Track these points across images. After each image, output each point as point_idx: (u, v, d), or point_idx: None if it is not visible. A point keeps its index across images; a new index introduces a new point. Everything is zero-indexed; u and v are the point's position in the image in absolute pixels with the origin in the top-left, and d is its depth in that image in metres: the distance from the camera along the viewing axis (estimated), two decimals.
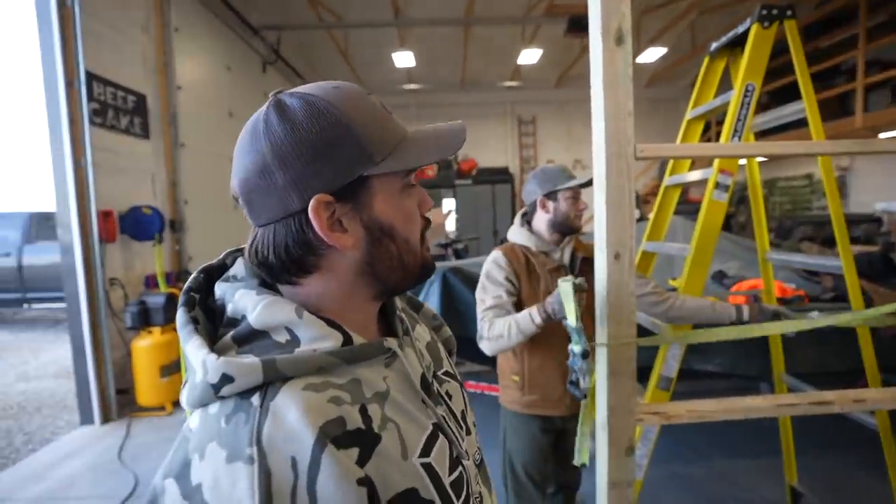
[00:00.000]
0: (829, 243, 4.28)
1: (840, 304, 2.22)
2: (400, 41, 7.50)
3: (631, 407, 1.29)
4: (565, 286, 1.25)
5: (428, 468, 0.47)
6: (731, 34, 1.77)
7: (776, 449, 2.17)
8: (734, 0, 6.84)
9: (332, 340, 0.46)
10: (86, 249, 3.30)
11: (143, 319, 3.32)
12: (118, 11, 3.73)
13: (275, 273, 0.49)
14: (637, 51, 8.34)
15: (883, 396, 1.36)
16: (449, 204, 9.25)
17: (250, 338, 0.45)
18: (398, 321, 0.57)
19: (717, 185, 1.59)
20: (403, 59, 7.78)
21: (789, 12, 1.61)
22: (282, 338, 0.45)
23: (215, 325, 0.49)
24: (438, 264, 2.45)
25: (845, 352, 1.97)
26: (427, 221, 0.55)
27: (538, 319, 1.38)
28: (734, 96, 1.62)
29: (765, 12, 1.60)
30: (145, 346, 3.35)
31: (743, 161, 1.96)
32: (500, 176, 9.55)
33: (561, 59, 8.73)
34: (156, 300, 3.38)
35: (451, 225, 8.59)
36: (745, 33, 1.65)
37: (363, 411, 0.44)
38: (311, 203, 0.45)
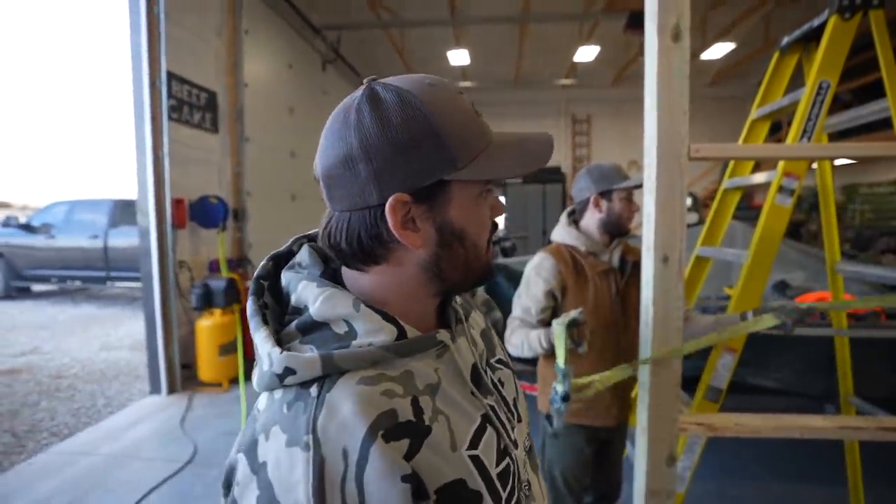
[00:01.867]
0: None
1: None
2: (455, 39, 7.55)
3: (673, 415, 1.26)
4: (558, 329, 1.23)
5: (475, 460, 0.48)
6: (805, 27, 1.65)
7: (841, 478, 2.01)
8: None
9: (387, 334, 0.47)
10: (160, 234, 3.61)
11: (206, 301, 3.58)
12: (197, 17, 4.03)
13: (344, 257, 0.51)
14: (703, 46, 7.90)
15: None
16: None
17: (312, 328, 0.48)
18: (452, 312, 0.58)
19: (781, 189, 1.50)
20: (458, 56, 7.83)
21: (876, 1, 1.48)
22: (340, 329, 0.47)
23: (283, 308, 0.52)
24: None
25: None
26: (495, 226, 0.56)
27: (545, 345, 1.39)
28: (805, 94, 1.51)
29: (846, 2, 1.48)
30: (207, 326, 3.62)
31: (815, 165, 1.83)
32: (551, 175, 9.42)
33: (618, 58, 8.43)
34: (218, 283, 3.63)
35: (500, 223, 8.57)
36: (822, 26, 1.54)
37: (415, 403, 0.46)
38: (390, 201, 0.46)
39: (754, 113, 1.82)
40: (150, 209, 3.58)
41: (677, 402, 1.27)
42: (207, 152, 4.21)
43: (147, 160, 3.54)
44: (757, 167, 1.86)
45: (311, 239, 0.58)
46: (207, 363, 3.66)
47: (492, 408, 0.53)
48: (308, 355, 0.45)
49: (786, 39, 1.75)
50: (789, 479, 2.49)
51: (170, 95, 3.61)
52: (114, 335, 5.49)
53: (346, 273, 0.53)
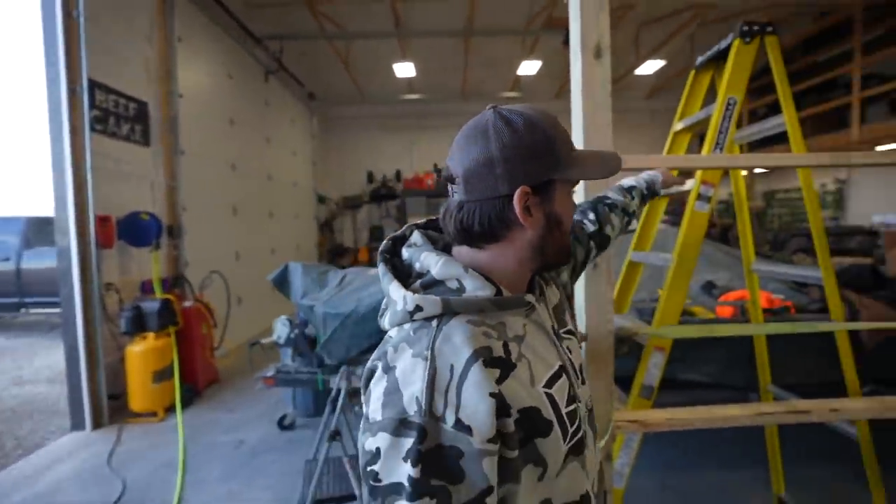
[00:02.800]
0: None
1: (825, 314, 2.23)
2: (401, 52, 7.59)
3: (609, 414, 1.30)
4: None
5: (549, 397, 0.62)
6: (714, 49, 1.80)
7: (767, 460, 2.16)
8: (731, 14, 6.92)
9: (489, 290, 0.63)
10: (83, 254, 3.34)
11: (138, 324, 3.34)
12: (122, 22, 3.81)
13: (472, 237, 0.65)
14: (637, 63, 8.42)
15: (859, 406, 1.37)
16: None
17: (432, 284, 0.64)
18: (536, 284, 0.74)
19: (700, 197, 1.61)
20: (404, 69, 7.88)
21: (769, 28, 1.64)
22: (453, 285, 0.63)
23: (400, 277, 0.66)
24: None
25: (833, 368, 1.98)
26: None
27: None
28: (716, 109, 1.64)
29: (746, 28, 1.63)
30: (139, 351, 3.37)
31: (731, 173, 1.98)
32: None
33: (560, 71, 8.81)
34: (151, 305, 3.40)
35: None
36: (728, 48, 1.69)
37: (505, 346, 0.61)
38: (518, 191, 0.62)
39: (676, 125, 1.95)
40: (71, 227, 3.31)
41: (612, 401, 1.33)
42: (138, 166, 3.96)
43: (66, 174, 3.28)
44: (680, 176, 1.99)
45: (417, 226, 0.74)
46: (140, 391, 3.40)
47: (568, 361, 0.69)
48: (433, 297, 0.61)
49: (700, 59, 1.90)
50: (723, 465, 2.65)
51: (93, 105, 3.38)
52: (28, 368, 5.01)
53: (459, 251, 0.68)
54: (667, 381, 1.78)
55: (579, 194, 1.31)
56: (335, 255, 9.87)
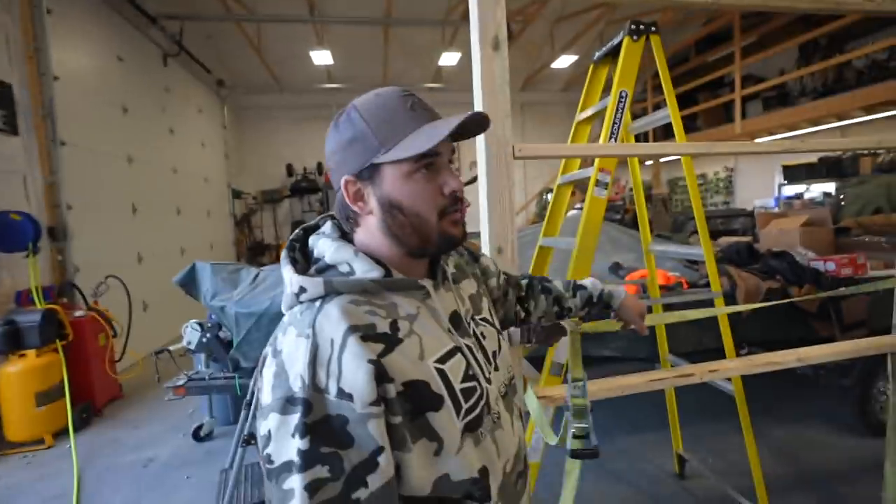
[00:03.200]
0: (714, 236, 4.79)
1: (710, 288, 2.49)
2: (317, 38, 7.28)
3: (519, 394, 1.35)
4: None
5: (440, 372, 0.64)
6: (608, 45, 1.91)
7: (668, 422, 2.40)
8: (637, 14, 7.44)
9: (377, 273, 0.65)
10: None
11: (12, 341, 2.92)
12: None
13: (343, 223, 0.72)
14: (553, 57, 8.80)
15: (734, 365, 1.55)
16: None
17: (325, 269, 0.67)
18: (440, 271, 0.75)
19: (598, 183, 1.72)
20: (321, 57, 7.58)
21: (653, 28, 1.78)
22: (344, 269, 0.66)
23: (307, 264, 0.70)
24: None
25: (716, 332, 2.22)
26: (455, 199, 0.68)
27: None
28: (610, 101, 1.75)
29: (633, 27, 1.75)
30: (16, 372, 2.95)
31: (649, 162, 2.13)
32: None
33: None
34: (29, 318, 2.99)
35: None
36: (620, 45, 1.80)
37: (393, 324, 0.63)
38: (341, 181, 0.67)
39: (577, 116, 2.06)
40: None
41: (522, 379, 1.38)
42: (5, 159, 3.44)
43: None
44: (583, 164, 2.11)
45: (332, 217, 0.76)
46: (19, 418, 2.99)
47: (467, 346, 0.70)
48: (315, 278, 0.64)
49: (596, 54, 2.01)
50: (631, 431, 2.89)
51: None
52: None
53: (354, 236, 0.71)
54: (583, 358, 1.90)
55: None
56: (255, 252, 9.34)
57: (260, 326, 2.40)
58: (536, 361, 1.82)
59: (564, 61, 8.98)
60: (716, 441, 2.69)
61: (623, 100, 1.74)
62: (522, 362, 1.42)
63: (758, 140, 7.74)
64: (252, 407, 1.85)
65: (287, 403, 0.55)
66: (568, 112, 10.80)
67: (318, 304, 0.62)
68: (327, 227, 0.74)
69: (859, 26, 6.10)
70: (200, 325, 2.84)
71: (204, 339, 2.81)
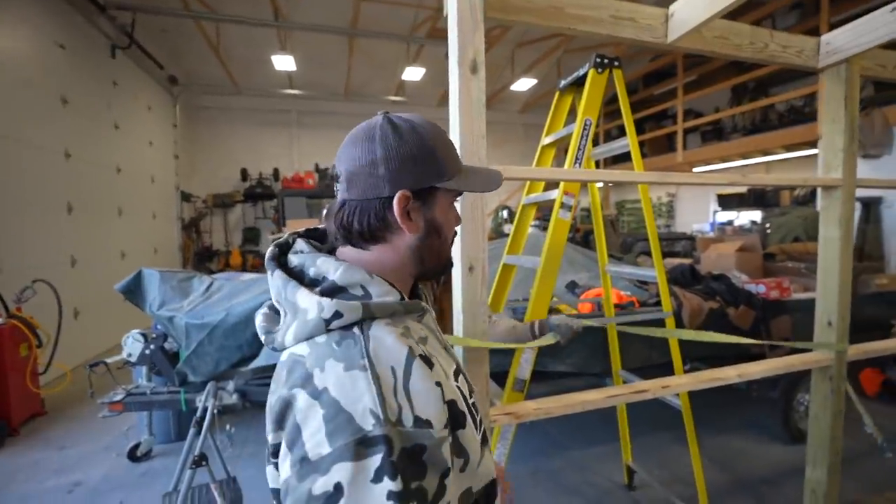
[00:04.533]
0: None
1: (660, 307, 2.66)
2: (280, 43, 7.15)
3: (485, 409, 1.38)
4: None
5: (460, 389, 0.64)
6: (574, 75, 2.03)
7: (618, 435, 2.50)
8: (591, 46, 7.89)
9: (394, 296, 0.64)
10: None
11: None
12: None
13: (352, 236, 0.66)
14: (512, 80, 9.11)
15: (683, 381, 1.66)
16: None
17: (334, 292, 0.61)
18: (423, 292, 0.76)
19: (562, 205, 1.81)
20: (284, 62, 7.43)
21: (616, 63, 1.91)
22: (357, 292, 0.62)
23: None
24: None
25: (664, 349, 2.37)
26: (455, 232, 0.73)
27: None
28: (576, 128, 1.86)
29: (598, 60, 1.88)
30: None
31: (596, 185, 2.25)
32: None
33: (442, 80, 9.12)
34: None
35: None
36: (585, 75, 1.92)
37: (418, 346, 0.61)
38: (398, 194, 0.63)
39: (543, 140, 2.16)
40: None
41: (488, 396, 1.41)
42: None
43: None
44: (547, 187, 2.21)
45: (299, 234, 0.72)
46: None
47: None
48: (352, 302, 0.59)
49: (562, 82, 2.12)
50: (584, 445, 2.99)
51: None
52: None
53: (346, 252, 0.68)
54: (536, 372, 1.96)
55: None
56: (203, 258, 8.87)
57: (213, 339, 2.28)
58: (499, 378, 1.86)
59: (524, 84, 9.32)
60: (660, 452, 2.84)
61: (587, 127, 1.86)
62: (487, 379, 1.45)
63: (696, 169, 8.38)
64: (204, 426, 1.75)
65: (360, 446, 0.50)
66: (525, 133, 11.18)
67: (356, 331, 0.58)
68: (302, 245, 0.69)
69: (782, 74, 6.80)
70: (144, 335, 2.66)
71: (147, 351, 2.63)
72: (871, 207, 5.18)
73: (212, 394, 1.86)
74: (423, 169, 0.64)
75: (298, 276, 0.65)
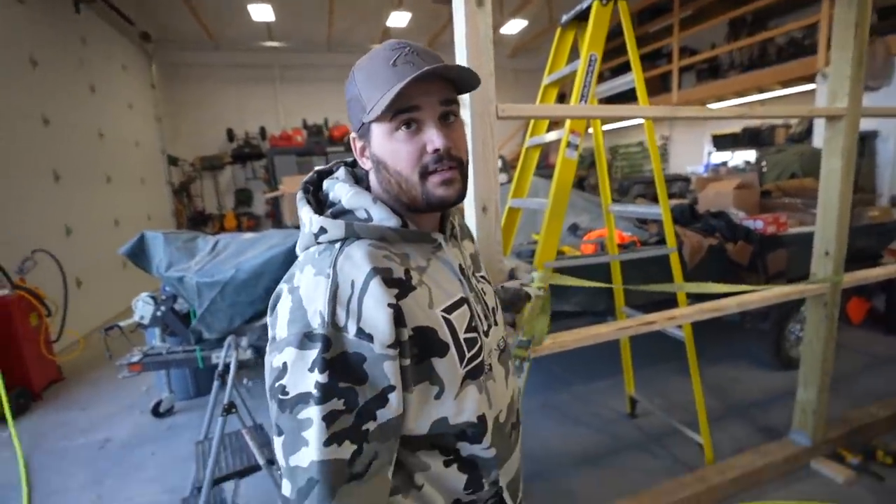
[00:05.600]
0: (656, 199, 5.11)
1: (661, 245, 2.71)
2: None
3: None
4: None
5: (447, 321, 0.66)
6: (577, 9, 1.95)
7: (621, 369, 2.63)
8: None
9: (393, 221, 0.67)
10: None
11: None
12: None
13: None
14: (500, 21, 8.71)
15: (688, 312, 1.73)
16: None
17: (342, 213, 0.68)
18: (449, 226, 0.76)
19: (569, 145, 1.79)
20: (261, 12, 7.03)
21: None
22: (362, 215, 0.67)
23: (320, 208, 0.71)
24: None
25: (665, 283, 2.44)
26: (439, 158, 0.64)
27: None
28: (580, 65, 1.81)
29: None
30: None
31: (591, 129, 2.23)
32: None
33: (430, 25, 8.72)
34: None
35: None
36: (589, 9, 1.85)
37: (406, 272, 0.64)
38: (350, 136, 0.71)
39: (545, 80, 2.10)
40: None
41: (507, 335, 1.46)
42: None
43: None
44: (550, 128, 2.18)
45: (346, 163, 0.78)
46: None
47: (473, 297, 0.73)
48: (337, 220, 0.65)
49: (564, 17, 2.04)
50: (588, 379, 3.14)
51: None
52: None
53: (371, 178, 0.72)
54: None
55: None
56: (196, 223, 8.78)
57: (224, 296, 2.32)
58: None
59: (514, 27, 8.93)
60: (660, 383, 2.99)
61: (593, 63, 1.81)
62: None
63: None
64: (229, 379, 1.82)
65: (305, 338, 0.57)
66: (516, 78, 10.83)
67: (337, 245, 0.64)
68: (341, 172, 0.75)
69: (781, 5, 6.55)
70: (153, 298, 2.70)
71: (158, 313, 2.68)
72: (866, 141, 5.18)
73: (233, 347, 1.91)
74: (355, 109, 0.67)
75: (325, 201, 0.73)
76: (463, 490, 0.71)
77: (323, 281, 0.60)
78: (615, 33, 1.84)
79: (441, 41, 9.23)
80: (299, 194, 0.72)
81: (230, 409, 1.68)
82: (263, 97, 9.34)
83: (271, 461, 1.74)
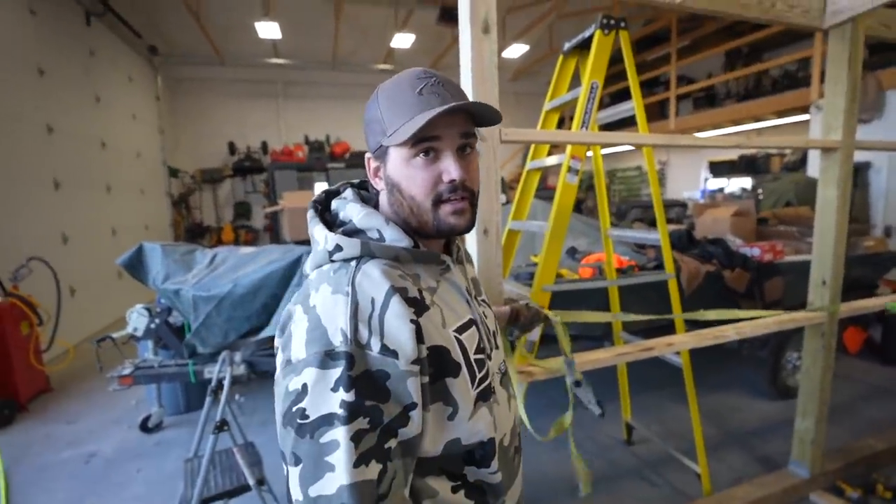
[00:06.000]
0: (653, 223, 5.16)
1: (659, 270, 2.72)
2: (263, 9, 6.87)
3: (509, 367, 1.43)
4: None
5: (458, 341, 0.66)
6: (579, 37, 2.01)
7: (617, 392, 2.61)
8: (585, 10, 7.72)
9: (405, 242, 0.68)
10: None
11: None
12: None
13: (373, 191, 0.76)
14: (503, 46, 8.91)
15: (686, 339, 1.73)
16: (322, 187, 8.84)
17: (354, 232, 0.69)
18: (455, 249, 0.78)
19: (570, 169, 1.82)
20: (268, 29, 7.16)
21: (623, 24, 1.89)
22: (374, 235, 0.68)
23: (329, 227, 0.70)
24: (306, 247, 2.37)
25: (662, 310, 2.44)
26: (454, 188, 0.66)
27: None
28: (582, 92, 1.85)
29: (605, 21, 1.85)
30: None
31: (590, 153, 2.26)
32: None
33: (434, 47, 8.90)
34: None
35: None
36: (591, 37, 1.90)
37: (420, 292, 0.65)
38: (366, 156, 0.73)
39: (547, 105, 2.14)
40: None
41: (508, 356, 1.45)
42: None
43: None
44: (550, 152, 2.21)
45: (351, 184, 0.79)
46: None
47: (480, 319, 0.73)
48: (353, 239, 0.66)
49: (567, 45, 2.10)
50: (583, 404, 3.10)
51: None
52: None
53: (381, 199, 0.74)
54: (542, 335, 2.01)
55: None
56: (194, 234, 8.77)
57: (221, 310, 2.30)
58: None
59: (515, 51, 9.13)
60: (657, 409, 2.96)
61: (594, 91, 1.85)
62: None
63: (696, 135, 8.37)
64: (223, 394, 1.79)
65: (326, 357, 0.56)
66: (517, 101, 11.02)
67: (353, 264, 0.64)
68: (349, 193, 0.76)
69: (776, 38, 6.74)
70: (148, 309, 2.67)
71: (153, 325, 2.65)
72: (859, 172, 5.26)
73: (227, 362, 1.89)
74: (374, 129, 0.68)
75: (334, 220, 0.73)
76: None
77: (342, 298, 0.59)
78: (614, 59, 1.88)
79: (445, 63, 9.41)
80: (310, 213, 0.72)
81: (222, 426, 1.65)
82: (266, 112, 9.45)
83: (261, 481, 1.70)
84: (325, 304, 0.59)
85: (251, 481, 1.64)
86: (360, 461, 0.54)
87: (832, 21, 1.81)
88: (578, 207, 7.37)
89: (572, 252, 3.04)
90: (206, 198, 9.24)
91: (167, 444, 2.77)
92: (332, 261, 0.65)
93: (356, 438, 0.54)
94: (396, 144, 0.65)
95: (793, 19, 1.79)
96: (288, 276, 2.28)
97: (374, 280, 0.61)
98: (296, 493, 0.55)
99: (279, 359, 0.61)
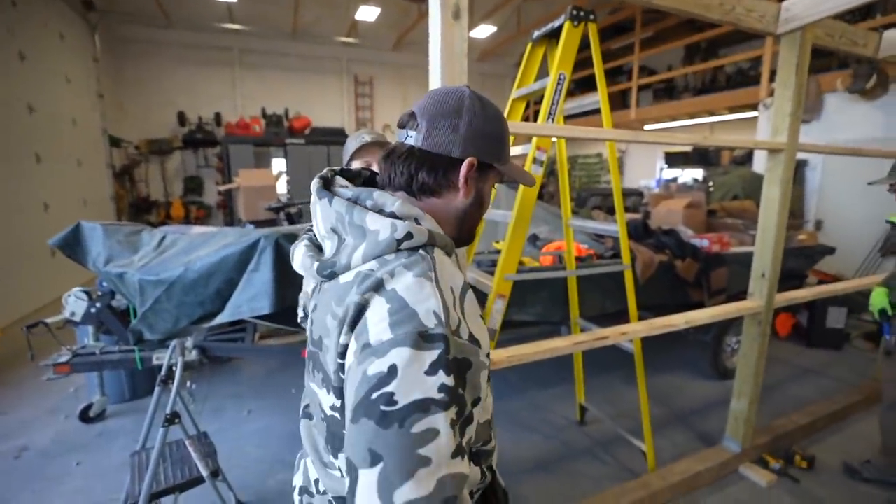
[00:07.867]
0: (612, 211, 5.32)
1: (616, 259, 2.82)
2: None
3: None
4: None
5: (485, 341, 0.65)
6: (548, 26, 1.99)
7: (572, 376, 2.70)
8: None
9: (444, 233, 0.68)
10: None
11: None
12: None
13: (413, 185, 0.69)
14: (471, 25, 8.76)
15: (639, 328, 1.80)
16: (280, 164, 8.51)
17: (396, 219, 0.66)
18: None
19: (535, 160, 1.83)
20: None
21: (592, 16, 1.89)
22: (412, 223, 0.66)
23: None
24: (271, 230, 2.27)
25: (617, 297, 2.54)
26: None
27: None
28: (549, 83, 1.85)
29: (574, 13, 1.85)
30: None
31: (554, 139, 2.28)
32: (334, 136, 9.05)
33: (399, 22, 8.64)
34: None
35: (282, 187, 7.93)
36: (560, 27, 1.89)
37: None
38: (469, 158, 0.68)
39: (514, 94, 2.13)
40: None
41: None
42: None
43: None
44: (514, 142, 2.20)
45: (335, 172, 0.76)
46: None
47: None
48: (421, 226, 0.64)
49: (535, 34, 2.08)
50: (541, 387, 3.21)
51: None
52: None
53: (399, 196, 0.71)
54: (503, 322, 2.05)
55: None
56: (140, 209, 8.24)
57: (171, 295, 2.17)
58: None
59: (483, 31, 9.02)
60: (609, 391, 3.11)
61: (561, 82, 1.85)
62: None
63: (648, 127, 8.64)
64: (174, 383, 1.71)
65: (420, 338, 0.52)
66: (483, 82, 10.94)
67: (423, 252, 0.62)
68: (342, 181, 0.74)
69: (731, 36, 7.00)
70: (87, 293, 2.49)
71: (93, 310, 2.47)
72: (797, 169, 5.63)
73: (179, 350, 1.80)
74: (491, 147, 0.71)
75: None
76: (477, 483, 0.73)
77: (428, 283, 0.57)
78: (580, 47, 1.88)
79: (409, 38, 9.16)
80: (342, 203, 0.66)
81: (173, 419, 1.58)
82: (220, 82, 8.89)
83: (215, 473, 1.65)
84: (410, 286, 0.56)
85: (205, 473, 1.59)
86: (457, 452, 0.49)
87: (784, 28, 1.89)
88: (540, 193, 7.48)
89: (533, 239, 3.09)
90: (153, 170, 8.66)
91: (111, 434, 2.63)
92: (399, 250, 0.62)
93: (453, 426, 0.50)
94: (498, 172, 0.73)
95: (750, 23, 1.86)
96: (244, 261, 2.18)
97: (449, 270, 0.62)
98: (370, 503, 0.46)
99: (352, 350, 0.56)
